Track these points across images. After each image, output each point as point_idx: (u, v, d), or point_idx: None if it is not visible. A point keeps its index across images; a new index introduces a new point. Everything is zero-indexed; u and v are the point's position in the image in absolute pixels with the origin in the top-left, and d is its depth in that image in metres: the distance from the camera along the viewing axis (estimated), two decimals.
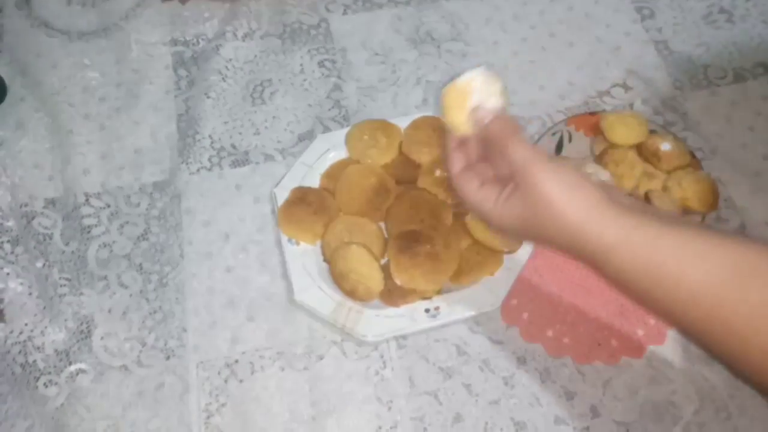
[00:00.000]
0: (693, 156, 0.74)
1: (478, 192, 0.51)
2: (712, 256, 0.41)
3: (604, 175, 0.71)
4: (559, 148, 0.76)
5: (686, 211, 0.71)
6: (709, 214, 0.71)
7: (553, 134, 0.77)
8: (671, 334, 0.68)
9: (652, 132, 0.75)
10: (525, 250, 0.69)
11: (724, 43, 0.87)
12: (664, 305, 0.43)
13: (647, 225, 0.43)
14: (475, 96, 0.52)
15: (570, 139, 0.77)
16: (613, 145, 0.75)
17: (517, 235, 0.50)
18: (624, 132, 0.74)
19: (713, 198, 0.70)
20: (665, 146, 0.73)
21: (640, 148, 0.74)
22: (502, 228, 0.50)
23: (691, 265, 0.41)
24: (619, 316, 0.68)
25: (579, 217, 0.45)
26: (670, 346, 0.67)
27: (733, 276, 0.40)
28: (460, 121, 0.53)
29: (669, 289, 0.42)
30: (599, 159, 0.75)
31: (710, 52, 0.86)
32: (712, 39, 0.88)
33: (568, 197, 0.45)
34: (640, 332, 0.68)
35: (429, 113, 0.77)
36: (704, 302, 0.40)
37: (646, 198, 0.70)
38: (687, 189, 0.71)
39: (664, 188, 0.72)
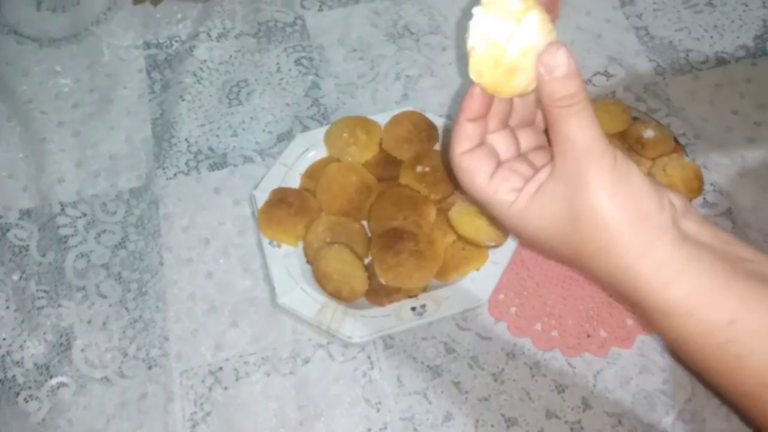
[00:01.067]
0: (677, 142, 0.73)
1: (491, 180, 0.39)
2: None
3: None
4: None
5: None
6: (695, 200, 0.71)
7: None
8: None
9: (634, 119, 0.74)
10: (511, 244, 0.68)
11: (705, 27, 0.86)
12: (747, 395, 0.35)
13: (733, 283, 0.34)
14: (531, 36, 0.35)
15: None
16: None
17: (543, 248, 0.39)
18: (607, 120, 0.73)
19: (698, 183, 0.69)
20: (648, 133, 0.72)
21: (623, 136, 0.73)
22: (522, 234, 0.39)
23: None
24: (608, 305, 0.67)
25: (637, 254, 0.35)
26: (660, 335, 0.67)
27: None
28: (503, 71, 0.36)
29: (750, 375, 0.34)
30: None
31: (691, 36, 0.85)
32: (692, 23, 0.87)
33: (630, 226, 0.35)
34: (629, 322, 0.67)
35: (409, 108, 0.76)
36: None
37: None
38: (672, 175, 0.70)
39: (649, 175, 0.71)
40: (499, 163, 0.39)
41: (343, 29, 0.87)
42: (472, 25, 0.37)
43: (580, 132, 0.35)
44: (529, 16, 0.35)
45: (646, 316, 0.37)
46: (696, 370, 0.37)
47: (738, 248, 0.37)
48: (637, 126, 0.73)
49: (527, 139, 0.43)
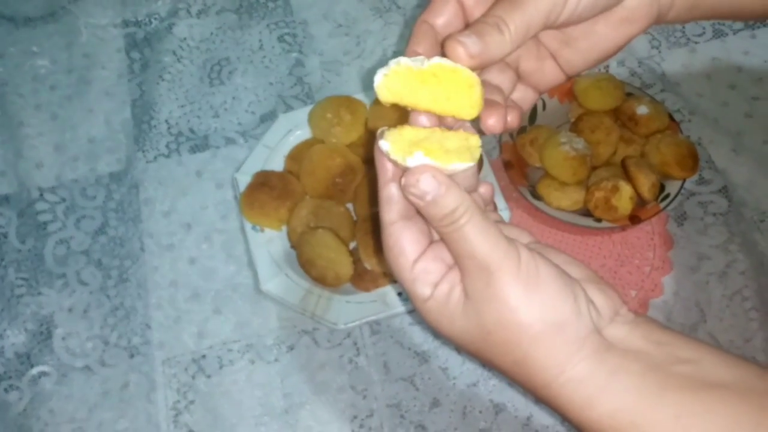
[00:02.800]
0: (671, 119, 0.71)
1: (413, 266, 0.35)
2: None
3: (579, 143, 0.68)
4: (532, 117, 0.73)
5: (666, 176, 0.68)
6: (690, 178, 0.69)
7: None
8: (653, 305, 0.66)
9: (628, 95, 0.72)
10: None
11: None
12: None
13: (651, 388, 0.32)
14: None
15: (544, 107, 0.74)
16: (588, 112, 0.71)
17: (459, 348, 0.38)
18: (599, 97, 0.71)
19: (693, 162, 0.67)
20: (642, 110, 0.69)
21: (616, 113, 0.71)
22: (435, 329, 0.36)
23: None
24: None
25: (554, 372, 0.33)
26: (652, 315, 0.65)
27: None
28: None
29: None
30: (574, 126, 0.71)
31: None
32: None
33: (543, 340, 0.33)
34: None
35: None
36: None
37: (623, 165, 0.67)
38: (666, 153, 0.67)
39: (642, 154, 0.69)
40: (429, 244, 0.36)
41: (327, 4, 0.84)
42: (377, 73, 0.34)
43: (473, 245, 0.33)
44: (415, 154, 0.33)
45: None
46: None
47: (675, 348, 0.33)
48: (631, 102, 0.71)
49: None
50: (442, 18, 0.39)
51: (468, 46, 0.34)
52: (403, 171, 0.34)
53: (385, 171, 0.36)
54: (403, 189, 0.33)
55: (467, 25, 0.39)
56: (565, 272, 0.34)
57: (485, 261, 0.33)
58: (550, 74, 0.43)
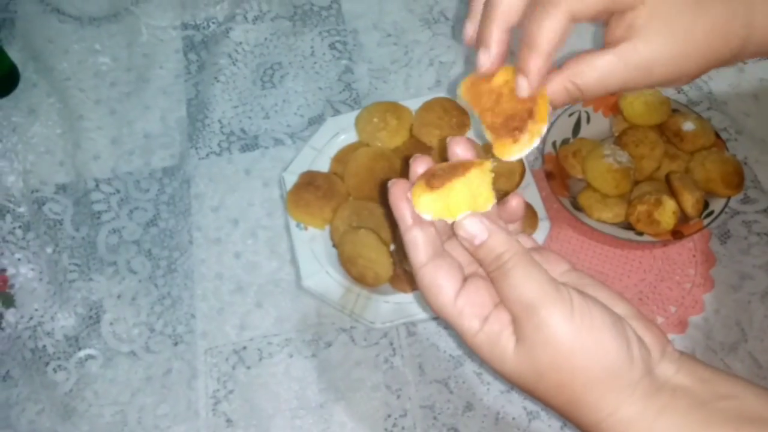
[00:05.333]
0: (718, 136, 0.71)
1: (456, 299, 0.36)
2: None
3: (622, 156, 0.68)
4: (576, 129, 0.74)
5: (710, 193, 0.68)
6: (735, 197, 0.68)
7: (570, 115, 0.74)
8: (692, 322, 0.65)
9: (674, 111, 0.72)
10: (540, 234, 0.67)
11: None
12: None
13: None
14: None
15: (588, 120, 0.74)
16: (633, 126, 0.72)
17: (516, 386, 0.37)
18: (644, 111, 0.71)
19: (738, 179, 0.67)
20: (688, 126, 0.70)
21: (661, 128, 0.71)
22: (485, 362, 0.37)
23: None
24: (638, 303, 0.66)
25: (606, 413, 0.33)
26: (690, 336, 0.65)
27: None
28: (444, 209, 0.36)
29: None
30: (618, 140, 0.72)
31: None
32: None
33: (597, 386, 0.33)
34: (660, 320, 0.65)
35: (442, 95, 0.75)
36: None
37: (667, 180, 0.68)
38: (711, 170, 0.67)
39: (687, 170, 0.69)
40: (464, 278, 0.37)
41: (378, 14, 0.86)
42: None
43: (522, 288, 0.33)
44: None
45: None
46: None
47: (717, 385, 0.34)
48: (677, 118, 0.71)
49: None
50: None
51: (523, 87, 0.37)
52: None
53: (405, 219, 0.37)
54: (458, 235, 0.35)
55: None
56: (614, 312, 0.35)
57: (533, 305, 0.33)
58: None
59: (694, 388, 0.34)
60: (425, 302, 0.38)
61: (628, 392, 0.33)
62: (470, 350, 0.37)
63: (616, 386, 0.33)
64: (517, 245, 0.35)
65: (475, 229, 0.35)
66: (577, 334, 0.33)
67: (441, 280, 0.36)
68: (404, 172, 0.69)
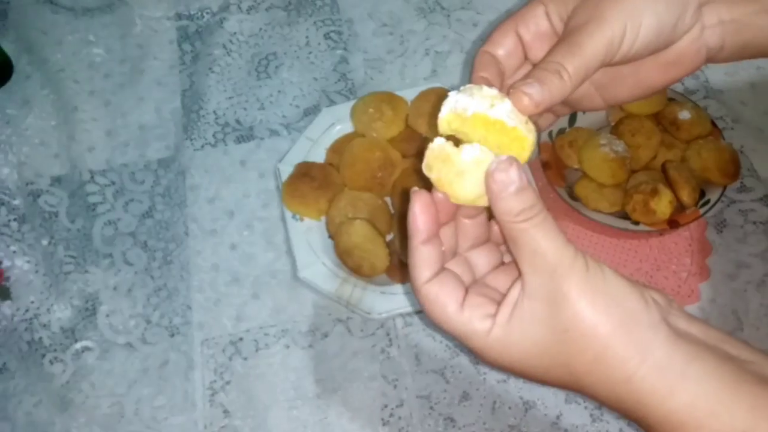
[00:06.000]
0: (714, 125, 0.71)
1: (462, 309, 0.36)
2: None
3: (619, 146, 0.68)
4: (572, 119, 0.74)
5: (706, 182, 0.68)
6: (731, 186, 0.68)
7: None
8: (689, 311, 0.65)
9: (670, 100, 0.72)
10: None
11: None
12: None
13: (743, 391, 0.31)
14: (503, 115, 0.35)
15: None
16: (629, 115, 0.72)
17: (533, 374, 0.36)
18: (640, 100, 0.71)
19: (734, 168, 0.67)
20: (684, 114, 0.69)
21: (657, 117, 0.71)
22: (506, 363, 0.36)
23: None
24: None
25: (635, 361, 0.32)
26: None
27: None
28: (453, 171, 0.35)
29: None
30: (615, 129, 0.72)
31: None
32: None
33: (620, 328, 0.33)
34: None
35: (438, 85, 0.75)
36: None
37: (663, 169, 0.67)
38: (707, 159, 0.67)
39: (683, 159, 0.69)
40: (466, 289, 0.37)
41: (373, 3, 0.86)
42: (444, 103, 0.36)
43: (548, 243, 0.33)
44: (504, 102, 0.35)
45: None
46: None
47: (733, 347, 0.34)
48: (673, 107, 0.71)
49: (482, 260, 0.40)
50: (503, 50, 0.42)
51: (533, 95, 0.36)
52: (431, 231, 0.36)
53: (419, 233, 0.36)
54: (490, 177, 0.34)
55: (525, 58, 0.42)
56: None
57: (560, 257, 0.33)
58: (589, 103, 0.46)
59: (714, 345, 0.34)
60: (429, 318, 0.37)
61: (651, 333, 0.33)
62: (481, 355, 0.36)
63: (639, 327, 0.33)
64: (542, 201, 0.34)
65: (514, 175, 0.34)
66: (594, 291, 0.33)
67: (444, 296, 0.36)
68: (400, 163, 0.69)
